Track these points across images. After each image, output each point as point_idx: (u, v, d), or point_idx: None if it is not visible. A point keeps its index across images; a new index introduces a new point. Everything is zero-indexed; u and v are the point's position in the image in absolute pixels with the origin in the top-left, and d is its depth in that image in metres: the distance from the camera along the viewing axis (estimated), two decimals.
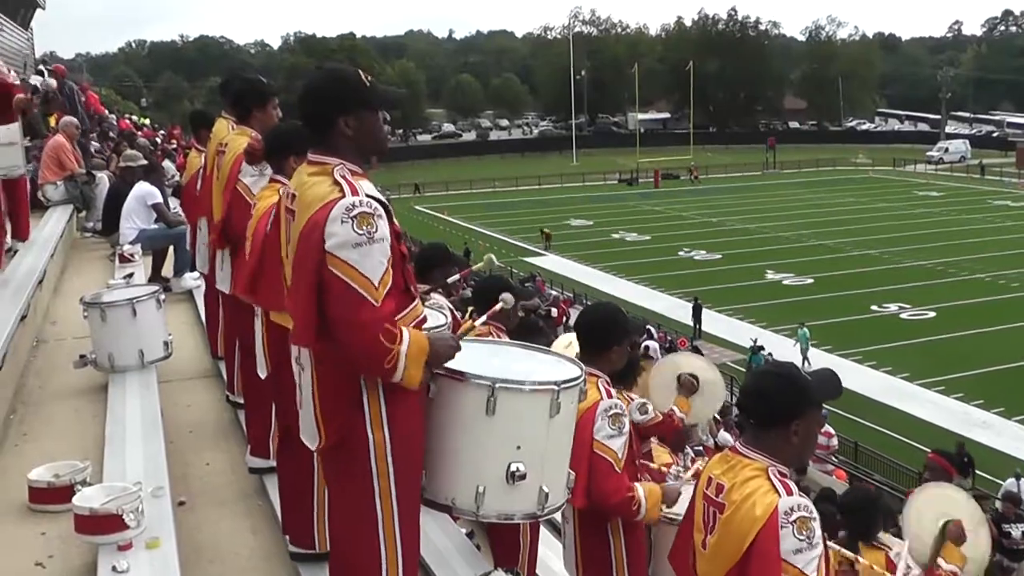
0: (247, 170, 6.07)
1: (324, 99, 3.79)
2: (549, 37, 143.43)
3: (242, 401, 6.85)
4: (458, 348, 3.82)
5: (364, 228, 3.50)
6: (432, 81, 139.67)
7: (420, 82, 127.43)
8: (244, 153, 5.99)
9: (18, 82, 10.95)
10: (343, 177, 3.65)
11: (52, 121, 16.90)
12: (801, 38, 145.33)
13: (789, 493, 3.72)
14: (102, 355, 7.47)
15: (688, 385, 6.73)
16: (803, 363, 32.37)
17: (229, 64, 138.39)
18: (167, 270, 12.08)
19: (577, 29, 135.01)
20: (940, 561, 6.17)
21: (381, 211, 3.58)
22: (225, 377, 7.69)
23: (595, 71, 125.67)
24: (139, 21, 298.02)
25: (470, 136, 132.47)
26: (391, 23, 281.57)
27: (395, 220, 3.67)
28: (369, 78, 3.85)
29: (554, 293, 43.31)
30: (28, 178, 11.58)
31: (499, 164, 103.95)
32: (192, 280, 11.36)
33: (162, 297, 7.76)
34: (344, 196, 3.57)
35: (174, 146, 26.96)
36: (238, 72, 9.34)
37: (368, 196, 3.59)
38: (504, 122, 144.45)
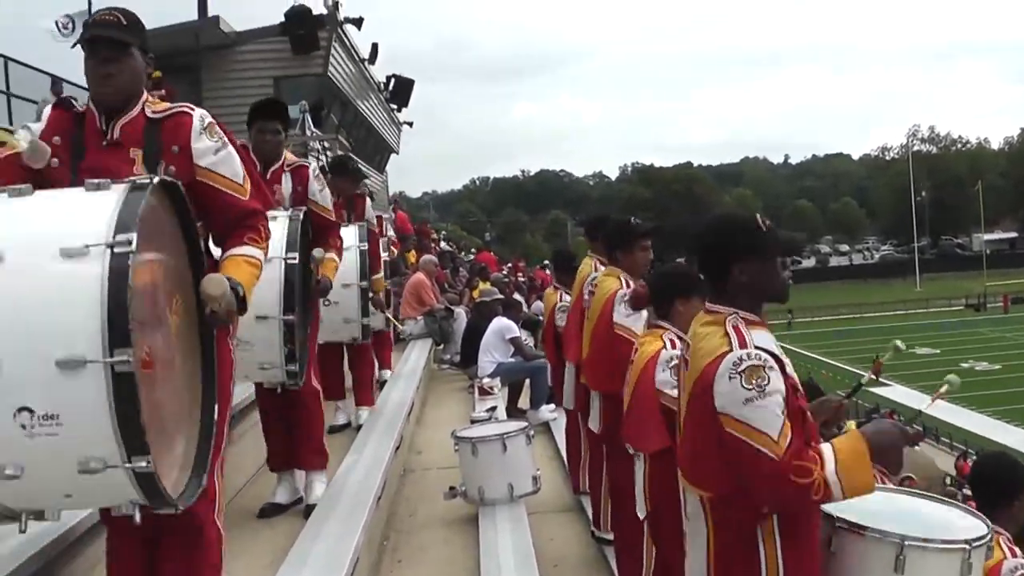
0: (620, 311, 6.15)
1: (719, 246, 3.66)
2: (887, 158, 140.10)
3: (609, 538, 6.90)
4: (903, 433, 3.57)
5: (754, 382, 3.32)
6: (769, 207, 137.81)
7: (757, 209, 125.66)
8: (629, 298, 6.08)
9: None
10: (734, 327, 3.49)
11: (411, 258, 17.91)
12: None
13: None
14: (472, 487, 7.68)
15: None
16: None
17: (569, 196, 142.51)
18: (523, 402, 12.39)
19: (916, 148, 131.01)
20: None
21: (772, 363, 3.39)
22: (589, 513, 7.75)
23: (936, 190, 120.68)
24: (483, 160, 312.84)
25: (810, 263, 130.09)
26: (727, 150, 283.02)
27: (790, 372, 3.48)
28: (767, 222, 3.69)
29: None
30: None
31: (840, 291, 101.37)
32: (548, 413, 11.57)
33: (531, 433, 7.90)
34: (732, 350, 3.42)
35: (521, 279, 27.88)
36: (604, 213, 9.49)
37: (758, 348, 3.43)
38: (844, 247, 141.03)
